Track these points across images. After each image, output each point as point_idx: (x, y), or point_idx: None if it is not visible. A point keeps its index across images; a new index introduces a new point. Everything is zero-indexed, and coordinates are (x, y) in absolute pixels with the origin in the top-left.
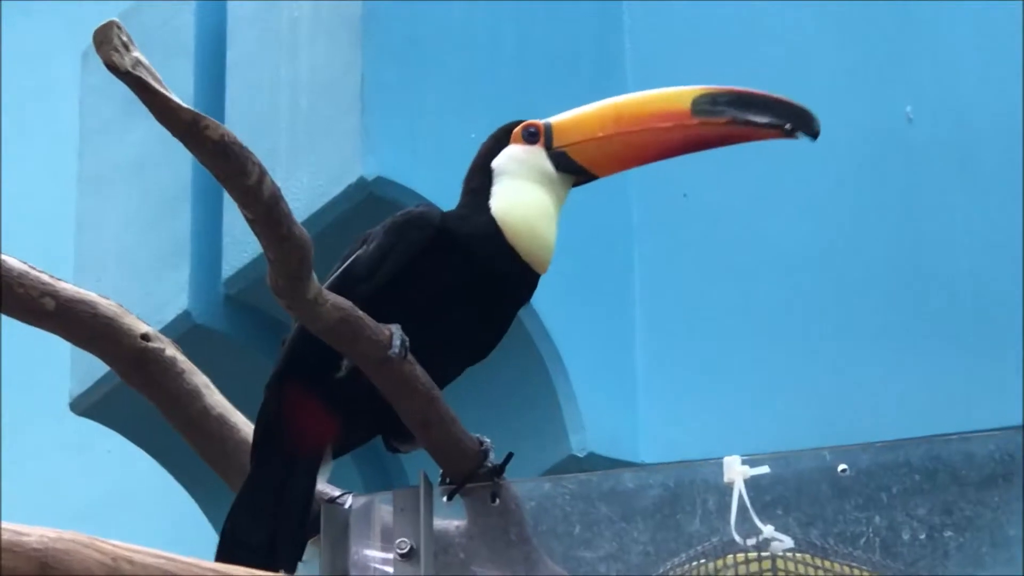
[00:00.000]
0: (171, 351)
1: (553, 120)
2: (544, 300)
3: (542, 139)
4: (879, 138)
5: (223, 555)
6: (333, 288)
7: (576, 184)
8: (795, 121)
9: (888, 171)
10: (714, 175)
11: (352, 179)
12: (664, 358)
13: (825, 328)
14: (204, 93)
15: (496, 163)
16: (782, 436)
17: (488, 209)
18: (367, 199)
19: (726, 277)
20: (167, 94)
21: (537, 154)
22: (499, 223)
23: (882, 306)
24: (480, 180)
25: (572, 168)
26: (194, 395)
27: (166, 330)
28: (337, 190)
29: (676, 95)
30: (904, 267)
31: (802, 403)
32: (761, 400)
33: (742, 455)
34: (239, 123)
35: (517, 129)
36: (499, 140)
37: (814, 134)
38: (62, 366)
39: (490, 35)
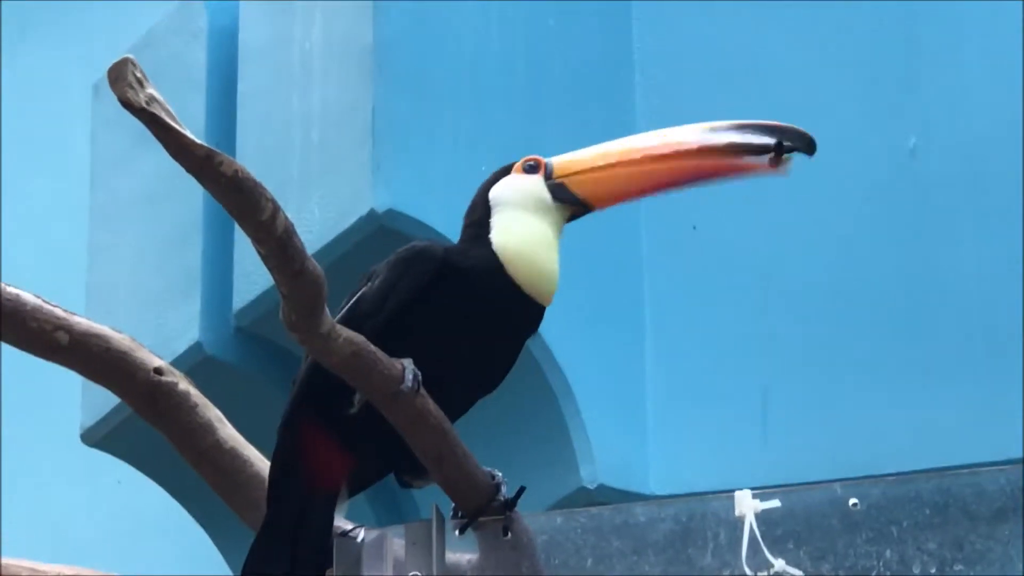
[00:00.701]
0: (184, 385)
1: (555, 158)
2: (555, 332)
3: (542, 171)
4: (884, 170)
5: None
6: (342, 324)
7: (573, 217)
8: (791, 139)
9: (894, 203)
10: (724, 208)
11: (363, 211)
12: (674, 390)
13: (835, 360)
14: (215, 126)
15: (494, 192)
16: (792, 469)
17: (489, 243)
18: (378, 231)
19: (736, 309)
20: (181, 130)
21: (535, 183)
22: (500, 257)
23: (892, 338)
24: (480, 212)
25: (569, 199)
26: (207, 429)
27: (177, 362)
28: (348, 222)
29: (681, 130)
30: (913, 299)
31: (813, 435)
32: (771, 432)
33: (753, 488)
34: (250, 155)
35: (519, 163)
36: (501, 172)
37: (810, 149)
38: (72, 397)
39: (501, 68)
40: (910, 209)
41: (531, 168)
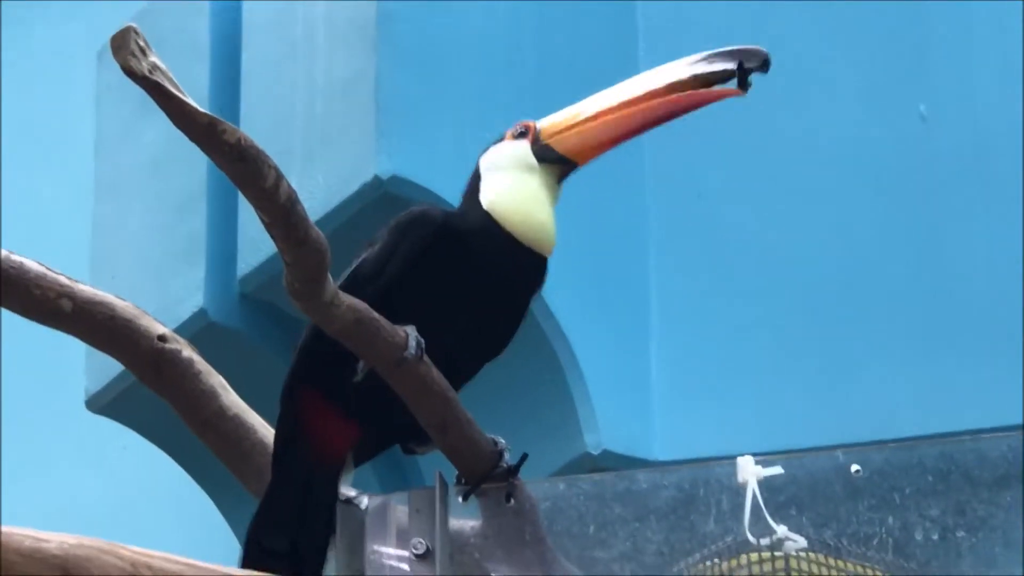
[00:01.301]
0: (188, 352)
1: (545, 119)
2: (559, 300)
3: (531, 135)
4: (893, 139)
5: (248, 562)
6: (343, 291)
7: (562, 176)
8: (747, 59)
9: (901, 172)
10: (729, 176)
11: (367, 178)
12: (678, 357)
13: (839, 328)
14: (219, 95)
15: (484, 160)
16: (795, 435)
17: (479, 204)
18: (382, 198)
19: (740, 277)
20: (184, 99)
21: (521, 147)
22: (493, 215)
23: (895, 307)
24: (473, 181)
25: (553, 157)
26: (211, 396)
27: (182, 328)
28: (352, 189)
29: (648, 74)
30: (918, 267)
31: (816, 403)
32: (775, 400)
33: (755, 455)
34: (254, 124)
35: (509, 130)
36: (494, 142)
37: (765, 66)
38: (77, 364)
39: (505, 35)
40: (916, 176)
41: (521, 134)
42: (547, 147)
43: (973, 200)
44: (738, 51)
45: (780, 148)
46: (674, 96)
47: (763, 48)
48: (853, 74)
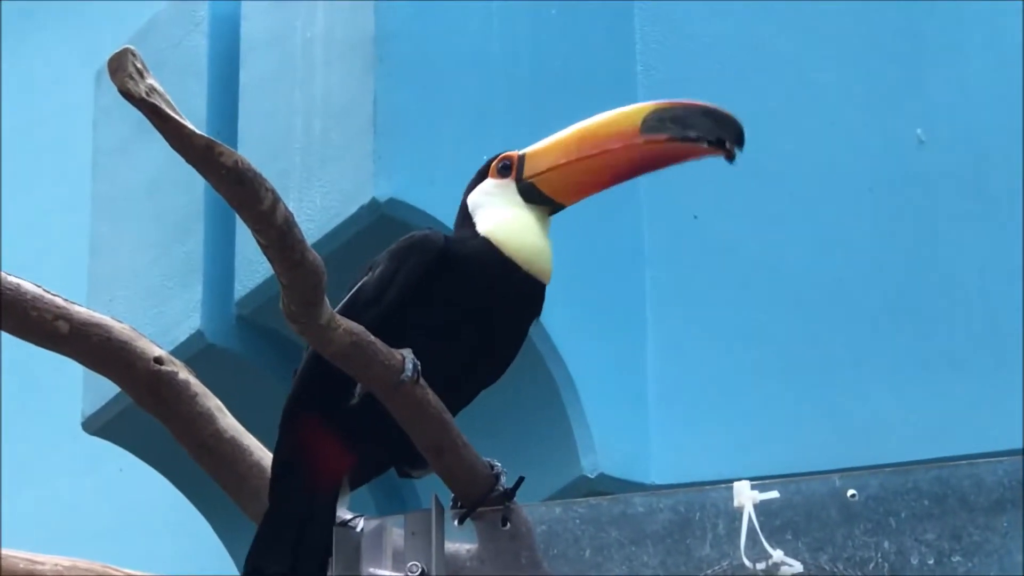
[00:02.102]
0: (184, 374)
1: (529, 149)
2: (556, 322)
3: (514, 171)
4: (890, 161)
5: None
6: (342, 315)
7: (551, 213)
8: (720, 131)
9: (899, 194)
10: (726, 199)
11: (365, 200)
12: (675, 380)
13: (836, 351)
14: (217, 115)
15: (471, 199)
16: (793, 459)
17: (477, 233)
18: (379, 220)
19: (737, 300)
20: (181, 121)
21: (507, 187)
22: (493, 241)
23: (893, 330)
24: (462, 215)
25: (540, 199)
26: (207, 418)
27: (178, 350)
28: (350, 211)
29: (628, 114)
30: (916, 291)
31: (813, 426)
32: (772, 423)
33: (752, 479)
34: (252, 144)
35: (494, 163)
36: (479, 176)
37: (740, 143)
38: (74, 385)
39: (502, 58)
40: (914, 198)
41: (504, 169)
42: (532, 187)
43: (971, 223)
44: (716, 117)
45: (777, 170)
46: (658, 153)
47: (738, 122)
48: (851, 97)
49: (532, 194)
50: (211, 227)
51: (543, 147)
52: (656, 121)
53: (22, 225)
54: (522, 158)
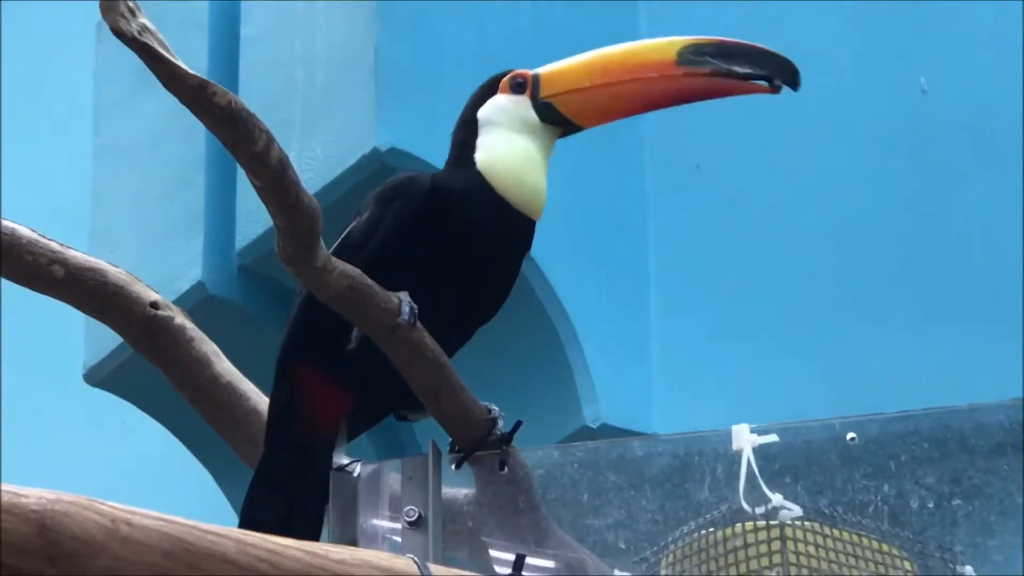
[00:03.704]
0: (180, 319)
1: (542, 70)
2: (557, 271)
3: (529, 89)
4: (893, 110)
5: None
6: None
7: (562, 135)
8: (776, 72)
9: (902, 143)
10: (728, 146)
11: (366, 150)
12: (677, 329)
13: (838, 300)
14: (218, 67)
15: (481, 113)
16: (796, 407)
17: (473, 163)
18: (380, 170)
19: (740, 249)
20: (174, 60)
21: (522, 104)
22: (485, 176)
23: (895, 278)
24: (465, 132)
25: (557, 119)
26: (203, 363)
27: (180, 300)
28: (351, 161)
29: (662, 45)
30: (918, 240)
31: (816, 375)
32: (774, 374)
33: (751, 424)
34: (253, 95)
35: (505, 79)
36: (486, 90)
37: (795, 85)
38: (76, 336)
39: (504, 7)
40: (917, 148)
41: (518, 86)
42: (550, 106)
43: (973, 173)
44: (766, 58)
45: (780, 120)
46: (696, 86)
47: (793, 64)
48: (853, 47)
49: (549, 114)
50: (212, 178)
51: (561, 68)
52: (694, 54)
53: (24, 177)
54: (536, 77)
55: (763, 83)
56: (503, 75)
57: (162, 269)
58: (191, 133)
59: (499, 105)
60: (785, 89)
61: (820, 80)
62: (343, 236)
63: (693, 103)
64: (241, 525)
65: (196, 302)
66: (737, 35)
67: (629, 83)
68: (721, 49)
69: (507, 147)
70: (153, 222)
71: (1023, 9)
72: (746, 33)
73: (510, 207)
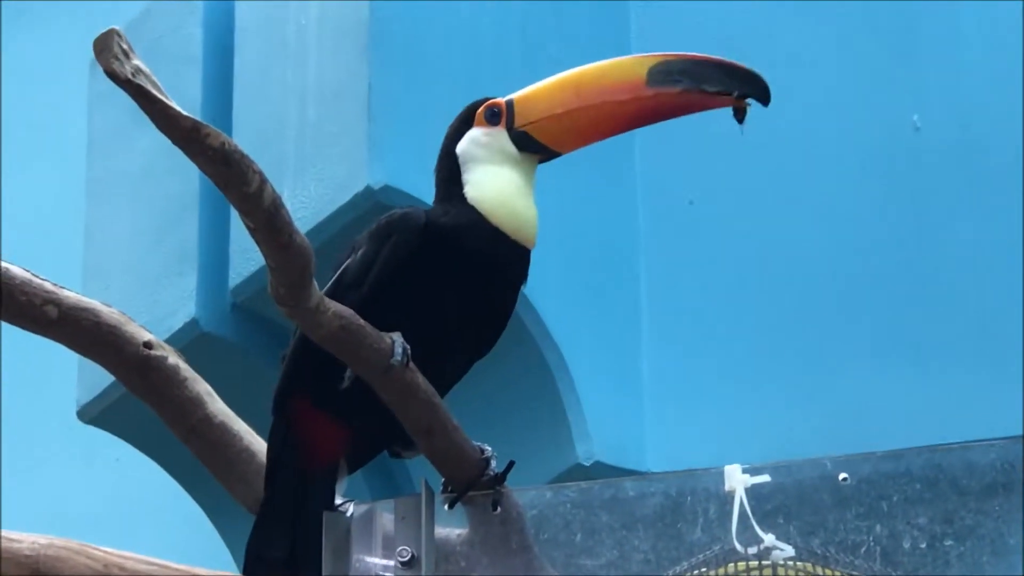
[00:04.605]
0: (173, 359)
1: (516, 96)
2: (550, 308)
3: (504, 119)
4: (886, 147)
5: (248, 573)
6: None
7: (542, 161)
8: (747, 87)
9: (895, 181)
10: (721, 182)
11: (359, 188)
12: (670, 366)
13: (831, 337)
14: (212, 101)
15: (460, 148)
16: (789, 445)
17: (463, 198)
18: (373, 207)
19: (732, 285)
20: (167, 102)
21: (499, 136)
22: (479, 210)
23: (887, 316)
24: (449, 168)
25: (534, 147)
26: (196, 403)
27: (173, 338)
28: (344, 199)
29: (631, 64)
30: (910, 277)
31: (809, 413)
32: (767, 410)
33: (743, 464)
34: (246, 131)
35: (480, 110)
36: (463, 123)
37: (766, 100)
38: (69, 374)
39: (496, 44)
40: (910, 185)
41: (493, 116)
42: (526, 135)
43: (965, 210)
44: (738, 75)
45: (773, 155)
46: (668, 104)
47: (762, 76)
48: (847, 83)
49: (526, 142)
50: (206, 215)
51: (533, 94)
52: (664, 73)
53: (18, 213)
54: (510, 104)
55: (734, 98)
56: (478, 105)
57: (155, 306)
58: (184, 169)
59: (476, 139)
60: (781, 127)
61: (814, 117)
62: (338, 274)
63: (668, 120)
64: (246, 564)
65: (189, 339)
66: None
67: (602, 106)
68: (690, 66)
69: (494, 180)
70: (146, 259)
71: (1020, 46)
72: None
73: (506, 237)
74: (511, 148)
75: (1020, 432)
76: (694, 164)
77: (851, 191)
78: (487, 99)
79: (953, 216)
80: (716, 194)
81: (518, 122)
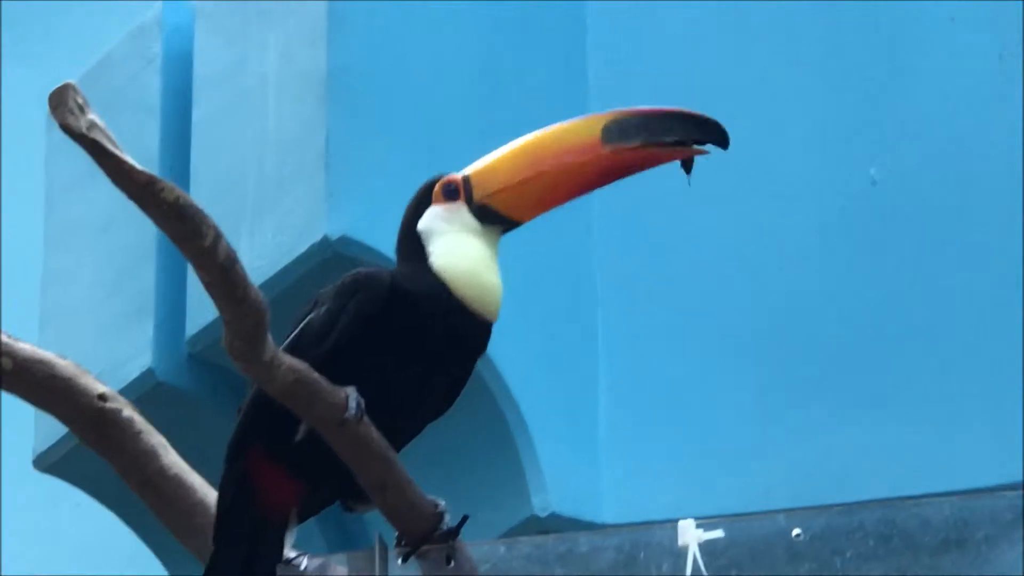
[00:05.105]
0: (128, 412)
1: (471, 171)
2: (507, 359)
3: (462, 194)
4: (844, 200)
5: None
6: (287, 353)
7: (505, 231)
8: (704, 134)
9: (853, 233)
10: (678, 239)
11: (316, 238)
12: (627, 418)
13: (787, 391)
14: (170, 151)
15: (422, 226)
16: (745, 499)
17: (430, 268)
18: (331, 258)
19: (689, 340)
20: (122, 156)
21: (460, 211)
22: (445, 280)
23: (842, 368)
24: (412, 244)
25: (496, 219)
26: (151, 456)
27: (129, 388)
28: (301, 248)
29: (585, 125)
30: (867, 330)
31: (764, 466)
32: (723, 463)
33: (702, 519)
34: (204, 181)
35: (437, 188)
36: (421, 201)
37: (724, 144)
38: (26, 422)
39: (455, 96)
40: (867, 238)
41: (451, 193)
42: (486, 208)
43: (923, 263)
44: (694, 122)
45: (731, 203)
46: (626, 162)
47: (717, 120)
48: (804, 136)
49: (487, 215)
50: (163, 265)
51: (490, 166)
52: (619, 130)
53: None
54: (467, 179)
55: (692, 147)
56: (433, 183)
57: (111, 356)
58: (142, 219)
59: (437, 215)
60: (739, 174)
61: (771, 170)
62: (299, 328)
63: (629, 177)
64: None
65: (145, 389)
66: None
67: (559, 171)
68: (645, 119)
69: (461, 252)
70: (103, 308)
71: (978, 101)
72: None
73: (470, 311)
74: (473, 222)
75: (977, 486)
76: (652, 220)
77: (809, 243)
78: (441, 176)
79: (909, 269)
80: (672, 251)
81: (477, 196)
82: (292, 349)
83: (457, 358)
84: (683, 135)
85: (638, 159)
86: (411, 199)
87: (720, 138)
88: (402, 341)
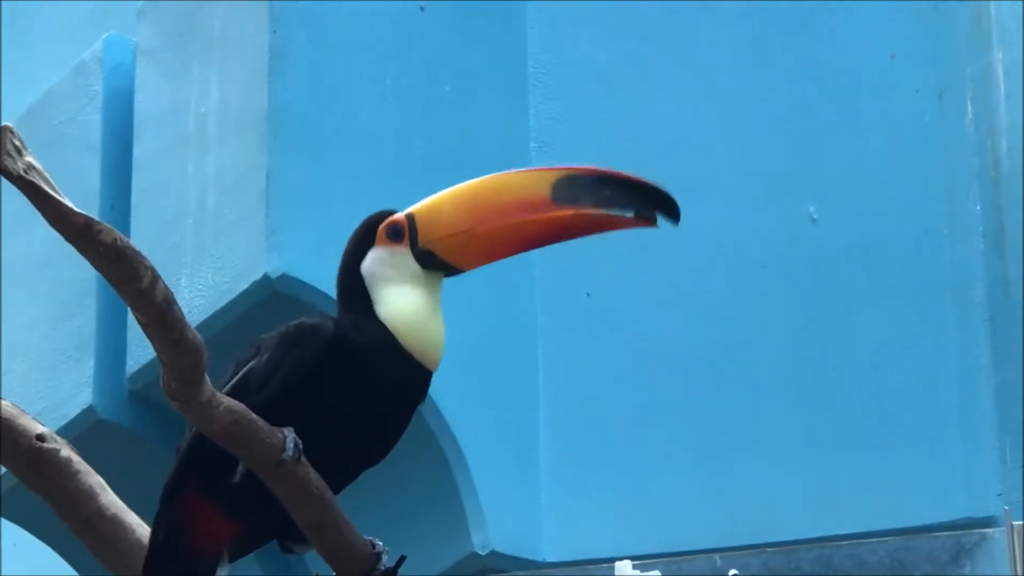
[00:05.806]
0: (66, 452)
1: (415, 210)
2: (448, 398)
3: (406, 237)
4: (783, 239)
5: None
6: (229, 395)
7: (448, 276)
8: (656, 206)
9: (792, 273)
10: (618, 275)
11: (257, 276)
12: (567, 457)
13: (727, 429)
14: (110, 188)
15: (365, 268)
16: (685, 537)
17: (375, 317)
18: (272, 296)
19: (629, 377)
20: (60, 199)
21: (403, 256)
22: (391, 330)
23: (783, 407)
24: (355, 285)
25: (440, 266)
26: (89, 496)
27: (70, 425)
28: (242, 287)
29: (534, 180)
30: (806, 368)
31: (704, 504)
32: (664, 501)
33: (644, 557)
34: (145, 218)
35: (381, 228)
36: (363, 240)
37: (675, 218)
38: None
39: (396, 135)
40: (807, 277)
41: (395, 234)
42: (430, 254)
43: (862, 303)
44: (645, 192)
45: (670, 248)
46: (575, 223)
47: (671, 195)
48: (743, 175)
49: (430, 260)
50: (103, 302)
51: (435, 208)
52: (569, 190)
53: None
54: (411, 219)
55: (643, 217)
56: (377, 221)
57: (52, 393)
58: (81, 257)
59: (380, 258)
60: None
61: (710, 208)
62: (242, 374)
63: (574, 238)
64: None
65: (86, 426)
66: (624, 164)
67: (505, 225)
68: (597, 182)
69: (405, 301)
70: (44, 345)
71: (918, 138)
72: (634, 162)
73: (413, 360)
74: (416, 268)
75: (913, 525)
76: (591, 257)
77: (747, 283)
78: (385, 213)
79: (849, 309)
80: (613, 286)
81: (421, 240)
82: (234, 393)
83: (398, 405)
84: (636, 206)
85: (587, 224)
86: (352, 235)
87: (672, 213)
88: (343, 390)
